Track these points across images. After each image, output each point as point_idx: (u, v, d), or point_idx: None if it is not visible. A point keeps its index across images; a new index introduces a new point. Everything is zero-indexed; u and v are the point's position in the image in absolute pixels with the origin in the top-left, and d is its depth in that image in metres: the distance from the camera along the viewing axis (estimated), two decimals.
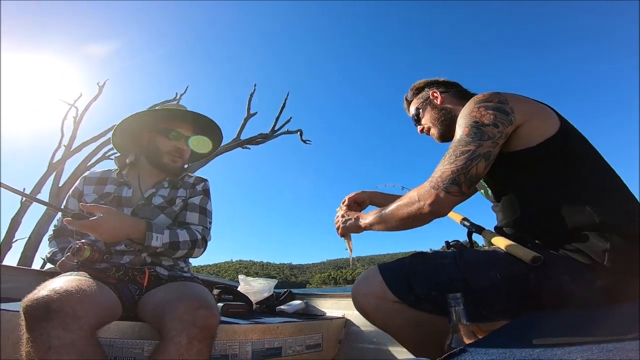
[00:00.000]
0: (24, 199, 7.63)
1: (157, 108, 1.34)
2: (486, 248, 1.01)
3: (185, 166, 1.41)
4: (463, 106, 0.97)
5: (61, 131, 8.74)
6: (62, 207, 1.20)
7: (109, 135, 8.20)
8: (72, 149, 8.56)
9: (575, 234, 0.80)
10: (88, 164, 8.30)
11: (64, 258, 1.04)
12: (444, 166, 0.84)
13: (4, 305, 1.04)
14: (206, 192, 1.39)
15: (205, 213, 1.34)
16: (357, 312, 1.79)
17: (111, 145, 8.11)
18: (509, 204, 0.94)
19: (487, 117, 0.82)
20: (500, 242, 0.87)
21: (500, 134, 0.82)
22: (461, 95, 1.16)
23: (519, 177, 0.90)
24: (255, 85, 9.44)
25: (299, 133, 9.56)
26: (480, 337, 0.62)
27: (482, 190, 1.13)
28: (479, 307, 0.83)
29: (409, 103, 1.25)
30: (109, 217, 1.02)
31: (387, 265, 0.99)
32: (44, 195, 7.93)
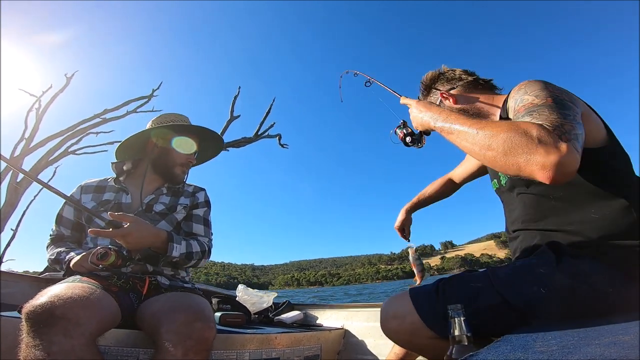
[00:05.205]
0: None
1: (168, 123, 1.35)
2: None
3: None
4: (479, 99, 1.01)
5: (25, 123, 8.06)
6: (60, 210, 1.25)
7: (75, 130, 7.76)
8: (35, 143, 7.91)
9: (614, 244, 0.80)
10: (50, 159, 7.80)
11: (89, 261, 1.00)
12: (550, 116, 0.67)
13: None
14: (208, 204, 1.42)
15: (208, 225, 1.38)
16: (356, 323, 1.78)
17: (75, 140, 7.78)
18: (549, 206, 0.88)
19: (563, 96, 0.75)
20: None
21: (577, 113, 0.74)
22: (473, 86, 1.06)
23: (577, 179, 0.82)
24: (239, 87, 9.20)
25: (277, 137, 9.59)
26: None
27: (496, 180, 1.06)
28: (522, 325, 0.77)
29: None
30: (137, 226, 1.03)
31: (420, 296, 0.90)
32: (1, 191, 7.27)
